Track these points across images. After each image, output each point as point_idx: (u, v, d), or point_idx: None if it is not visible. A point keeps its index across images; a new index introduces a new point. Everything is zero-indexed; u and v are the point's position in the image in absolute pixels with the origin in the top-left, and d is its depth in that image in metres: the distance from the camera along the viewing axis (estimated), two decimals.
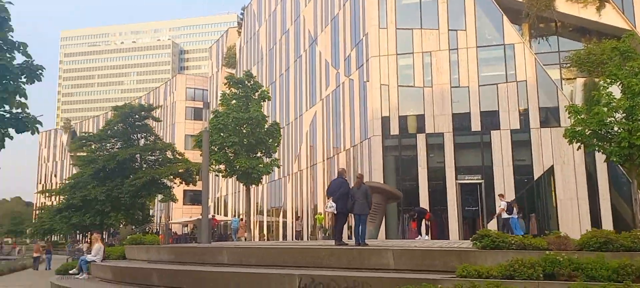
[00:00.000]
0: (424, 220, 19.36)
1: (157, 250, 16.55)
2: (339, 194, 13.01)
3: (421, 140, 28.25)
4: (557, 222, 26.31)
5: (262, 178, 27.59)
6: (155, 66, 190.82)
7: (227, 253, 13.41)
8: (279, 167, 31.04)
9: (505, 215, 21.25)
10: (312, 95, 40.09)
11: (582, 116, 19.13)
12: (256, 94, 26.87)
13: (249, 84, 26.76)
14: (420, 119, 28.49)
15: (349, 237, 27.47)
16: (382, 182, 26.96)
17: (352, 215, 13.28)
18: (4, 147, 13.26)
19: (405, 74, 28.71)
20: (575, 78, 27.50)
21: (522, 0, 27.45)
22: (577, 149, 22.72)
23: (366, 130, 29.87)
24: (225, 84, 27.14)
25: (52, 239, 53.52)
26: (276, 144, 27.22)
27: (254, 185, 28.56)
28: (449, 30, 28.08)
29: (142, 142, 37.57)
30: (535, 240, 9.71)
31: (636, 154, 18.80)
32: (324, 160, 37.19)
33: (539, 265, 8.26)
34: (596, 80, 26.38)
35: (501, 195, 22.79)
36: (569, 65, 28.23)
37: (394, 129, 28.70)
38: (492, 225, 27.37)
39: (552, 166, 26.58)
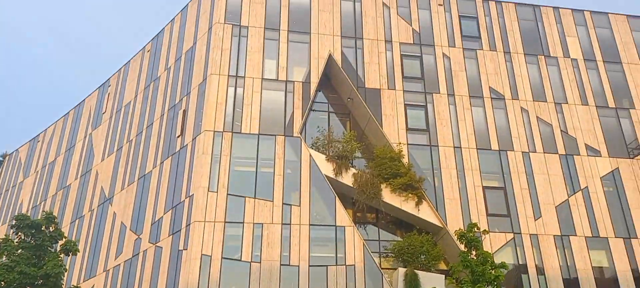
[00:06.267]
0: None
1: None
2: None
3: None
4: None
5: None
6: None
7: None
8: None
9: None
10: (91, 266, 32.89)
11: None
12: (57, 244, 20.13)
13: (47, 231, 20.01)
14: None
15: None
16: None
17: None
18: None
19: (232, 246, 25.52)
20: (395, 269, 27.84)
21: (353, 187, 27.92)
22: None
23: None
24: (12, 227, 19.80)
25: None
26: None
27: None
28: (283, 203, 26.55)
29: None
30: None
31: None
32: None
33: None
34: (415, 271, 27.19)
35: None
36: (387, 255, 28.76)
37: None
38: None
39: None
